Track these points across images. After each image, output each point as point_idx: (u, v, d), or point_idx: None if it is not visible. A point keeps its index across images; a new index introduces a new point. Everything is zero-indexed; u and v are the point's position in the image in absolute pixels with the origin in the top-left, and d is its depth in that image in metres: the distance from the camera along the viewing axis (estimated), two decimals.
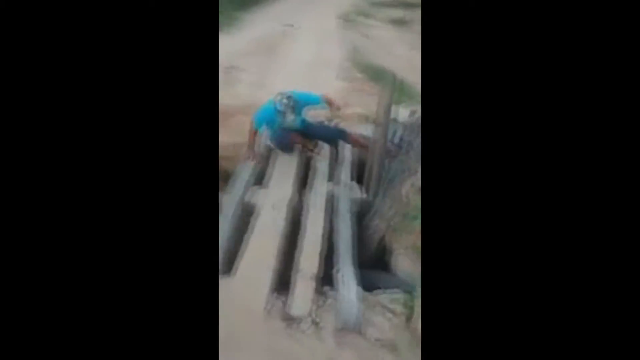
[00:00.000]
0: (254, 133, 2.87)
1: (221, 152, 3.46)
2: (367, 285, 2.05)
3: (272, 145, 3.04)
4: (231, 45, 5.72)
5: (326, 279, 2.03)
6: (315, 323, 1.79)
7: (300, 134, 2.94)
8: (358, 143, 3.04)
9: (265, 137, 3.03)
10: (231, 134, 3.30)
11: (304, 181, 2.84)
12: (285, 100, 2.61)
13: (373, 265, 2.39)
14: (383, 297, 1.93)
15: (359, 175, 2.85)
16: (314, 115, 3.26)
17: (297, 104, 2.69)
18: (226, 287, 1.96)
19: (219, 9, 7.43)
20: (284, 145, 3.00)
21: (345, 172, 2.85)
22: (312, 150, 3.06)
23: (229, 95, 4.06)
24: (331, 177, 2.84)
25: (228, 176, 2.92)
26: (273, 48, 5.71)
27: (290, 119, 2.67)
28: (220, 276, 2.04)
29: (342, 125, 3.37)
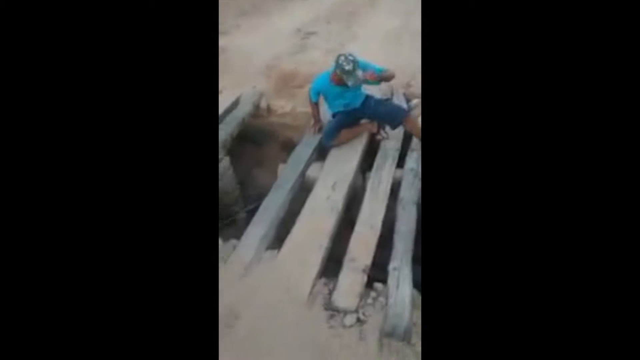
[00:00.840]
0: (314, 105, 2.70)
1: (289, 120, 3.37)
2: None
3: (322, 142, 2.67)
4: (310, 10, 5.47)
5: (380, 273, 1.84)
6: (361, 321, 1.63)
7: (350, 125, 2.66)
8: (415, 128, 2.60)
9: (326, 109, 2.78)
10: (303, 102, 3.15)
11: (370, 162, 2.61)
12: (350, 57, 2.34)
13: None
14: None
15: None
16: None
17: (358, 64, 2.37)
18: (271, 262, 1.88)
19: None
20: (332, 140, 2.62)
21: (417, 158, 2.56)
22: (377, 133, 2.77)
23: (303, 61, 3.89)
24: (401, 161, 2.57)
25: (294, 146, 2.81)
26: (356, 14, 5.34)
27: (360, 75, 2.36)
28: (267, 250, 1.96)
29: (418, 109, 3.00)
